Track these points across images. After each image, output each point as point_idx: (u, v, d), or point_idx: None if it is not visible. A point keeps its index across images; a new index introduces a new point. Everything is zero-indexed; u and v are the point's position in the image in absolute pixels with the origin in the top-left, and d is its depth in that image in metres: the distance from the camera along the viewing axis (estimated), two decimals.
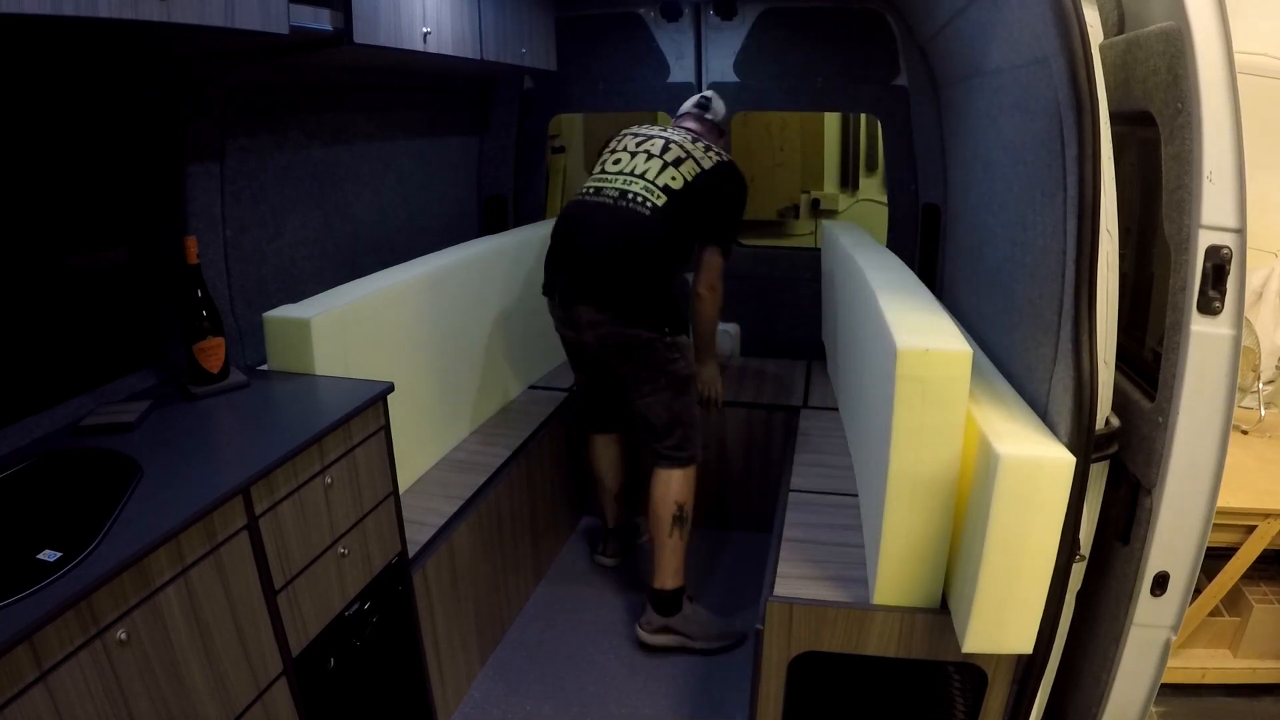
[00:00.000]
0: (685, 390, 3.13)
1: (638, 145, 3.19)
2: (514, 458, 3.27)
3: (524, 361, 3.86)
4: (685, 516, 3.12)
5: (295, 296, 2.67)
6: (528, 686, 3.00)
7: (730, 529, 3.96)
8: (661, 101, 4.13)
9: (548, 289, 3.14)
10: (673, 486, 3.12)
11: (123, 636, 1.44)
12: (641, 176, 3.06)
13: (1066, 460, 1.76)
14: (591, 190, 3.12)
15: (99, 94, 2.19)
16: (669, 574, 3.11)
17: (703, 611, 3.23)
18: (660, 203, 2.99)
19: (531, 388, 3.95)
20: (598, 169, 3.21)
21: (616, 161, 3.16)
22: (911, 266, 3.70)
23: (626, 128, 3.36)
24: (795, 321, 4.23)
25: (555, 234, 3.14)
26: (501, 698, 2.95)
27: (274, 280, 2.82)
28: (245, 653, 1.77)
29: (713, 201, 3.13)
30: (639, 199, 3.00)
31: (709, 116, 3.41)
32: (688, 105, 3.45)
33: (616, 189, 3.05)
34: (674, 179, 3.05)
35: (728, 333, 4.15)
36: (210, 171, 2.48)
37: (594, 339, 3.03)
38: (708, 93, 3.45)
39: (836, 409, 3.53)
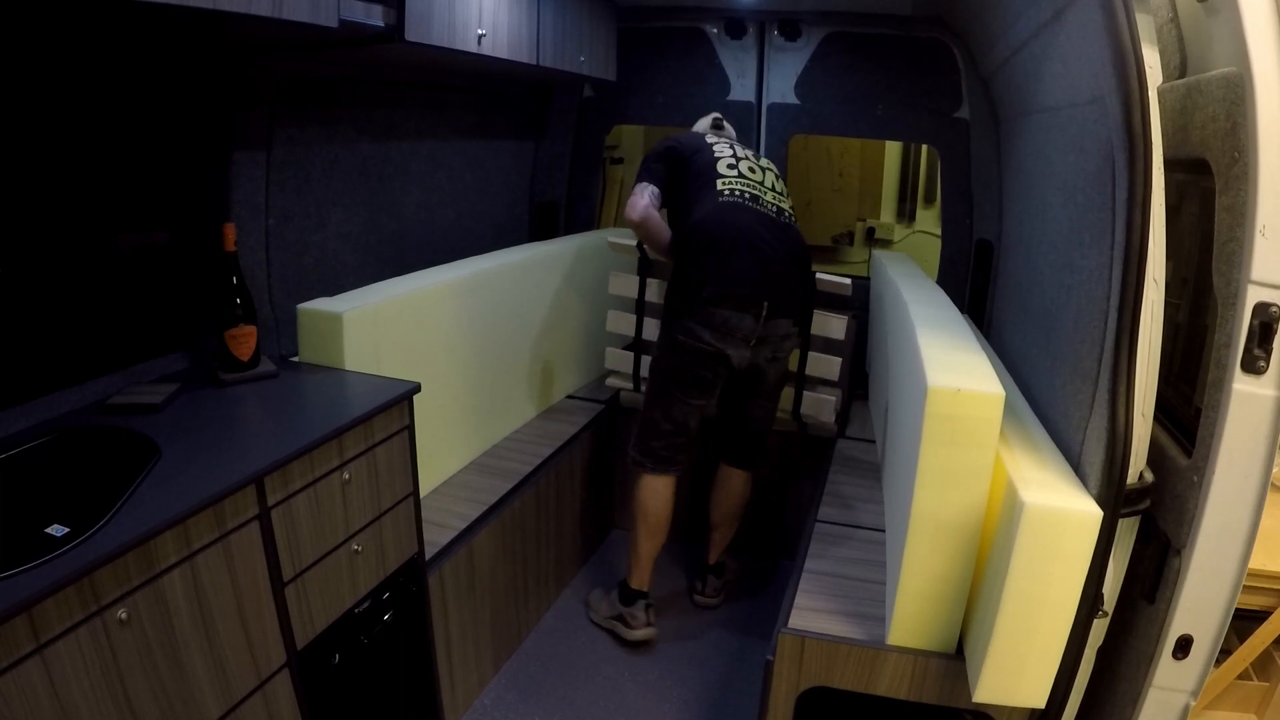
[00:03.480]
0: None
1: (755, 158, 3.25)
2: (543, 466, 3.26)
3: (564, 370, 3.86)
4: None
5: (336, 289, 2.68)
6: (540, 698, 2.98)
7: (759, 554, 3.92)
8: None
9: (739, 302, 2.90)
10: (750, 487, 3.42)
11: (123, 616, 1.45)
12: (782, 195, 3.21)
13: (1093, 514, 1.70)
14: (747, 196, 3.06)
15: (151, 78, 2.22)
16: (723, 551, 3.58)
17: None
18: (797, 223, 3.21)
19: (570, 397, 3.94)
20: (727, 170, 3.11)
21: (752, 170, 3.16)
22: (962, 302, 3.67)
23: (693, 132, 3.40)
24: (840, 350, 4.18)
25: (727, 238, 2.93)
26: (511, 706, 2.93)
27: (315, 272, 2.84)
28: (248, 642, 1.77)
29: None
30: (791, 217, 3.17)
31: (733, 138, 3.50)
32: (728, 132, 3.52)
33: (773, 204, 3.11)
34: (789, 201, 3.25)
35: None
36: (256, 160, 2.50)
37: (770, 353, 3.05)
38: (717, 115, 3.56)
39: (874, 441, 3.48)
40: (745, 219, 2.98)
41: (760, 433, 3.31)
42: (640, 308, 3.66)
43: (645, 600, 3.25)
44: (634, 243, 3.46)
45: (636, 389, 3.72)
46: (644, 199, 3.08)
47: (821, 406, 3.52)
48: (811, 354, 3.46)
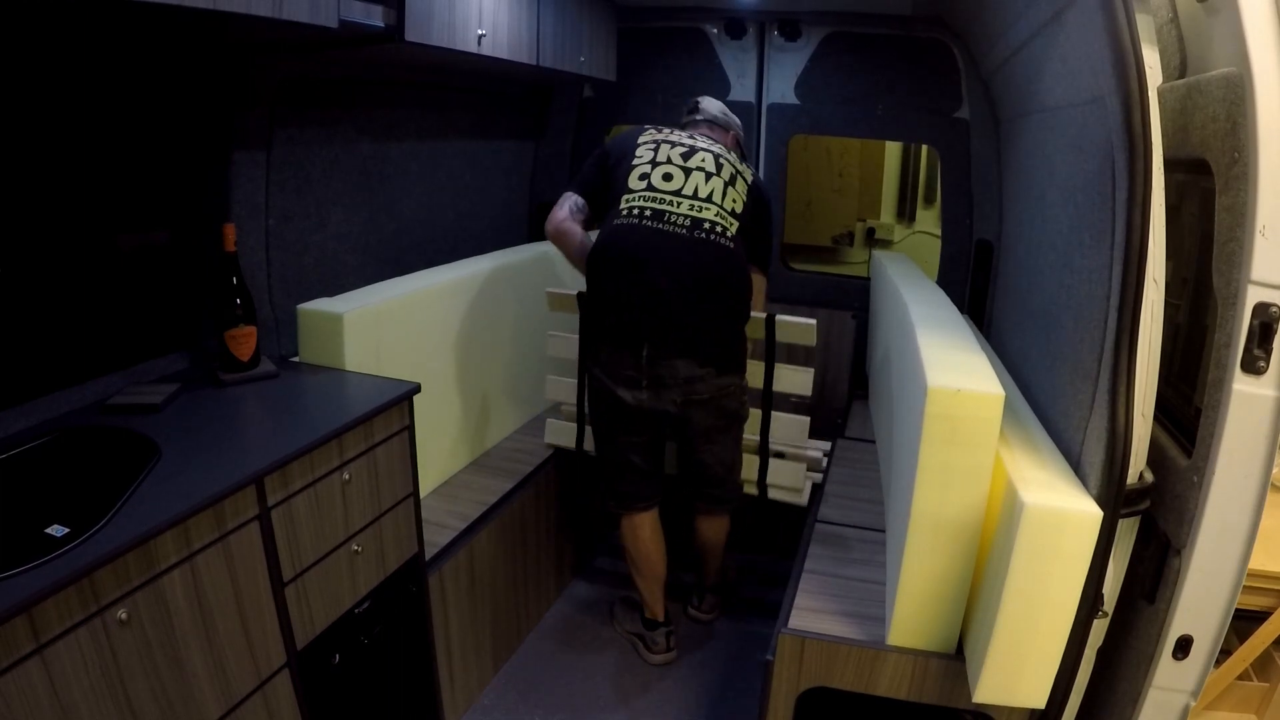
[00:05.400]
0: (742, 432, 3.03)
1: (685, 159, 2.81)
2: (543, 466, 3.26)
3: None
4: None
5: (336, 290, 2.69)
6: (540, 697, 2.99)
7: (759, 554, 3.92)
8: None
9: (618, 340, 2.73)
10: (726, 527, 3.24)
11: (123, 616, 1.45)
12: (709, 200, 2.74)
13: (1093, 514, 1.70)
14: (648, 213, 2.70)
15: (152, 78, 2.22)
16: (718, 573, 3.48)
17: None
18: (734, 230, 2.76)
19: None
20: (637, 182, 2.77)
21: (668, 177, 2.76)
22: (961, 302, 3.66)
23: (644, 127, 3.00)
24: (840, 351, 4.17)
25: (611, 268, 2.71)
26: (512, 706, 2.94)
27: (315, 272, 2.84)
28: (248, 642, 1.77)
29: (763, 223, 2.95)
30: (717, 229, 2.72)
31: (719, 121, 3.14)
32: (708, 113, 3.13)
33: (685, 215, 2.69)
34: (736, 201, 2.81)
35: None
36: (256, 160, 2.50)
37: (680, 397, 2.74)
38: (701, 100, 3.18)
39: (874, 441, 3.47)
40: (638, 241, 2.68)
41: (712, 478, 3.02)
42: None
43: (666, 628, 3.22)
44: (574, 292, 3.11)
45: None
46: (563, 210, 2.90)
47: (789, 475, 3.13)
48: (775, 414, 3.07)
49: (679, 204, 2.72)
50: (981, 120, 3.67)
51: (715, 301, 2.70)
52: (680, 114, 3.17)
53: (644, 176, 2.78)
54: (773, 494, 3.16)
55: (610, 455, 2.98)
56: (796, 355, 3.11)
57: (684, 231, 2.68)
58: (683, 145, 2.88)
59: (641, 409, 2.78)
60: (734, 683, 3.12)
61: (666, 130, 2.97)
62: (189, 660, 1.61)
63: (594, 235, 2.91)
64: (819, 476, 3.08)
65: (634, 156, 2.85)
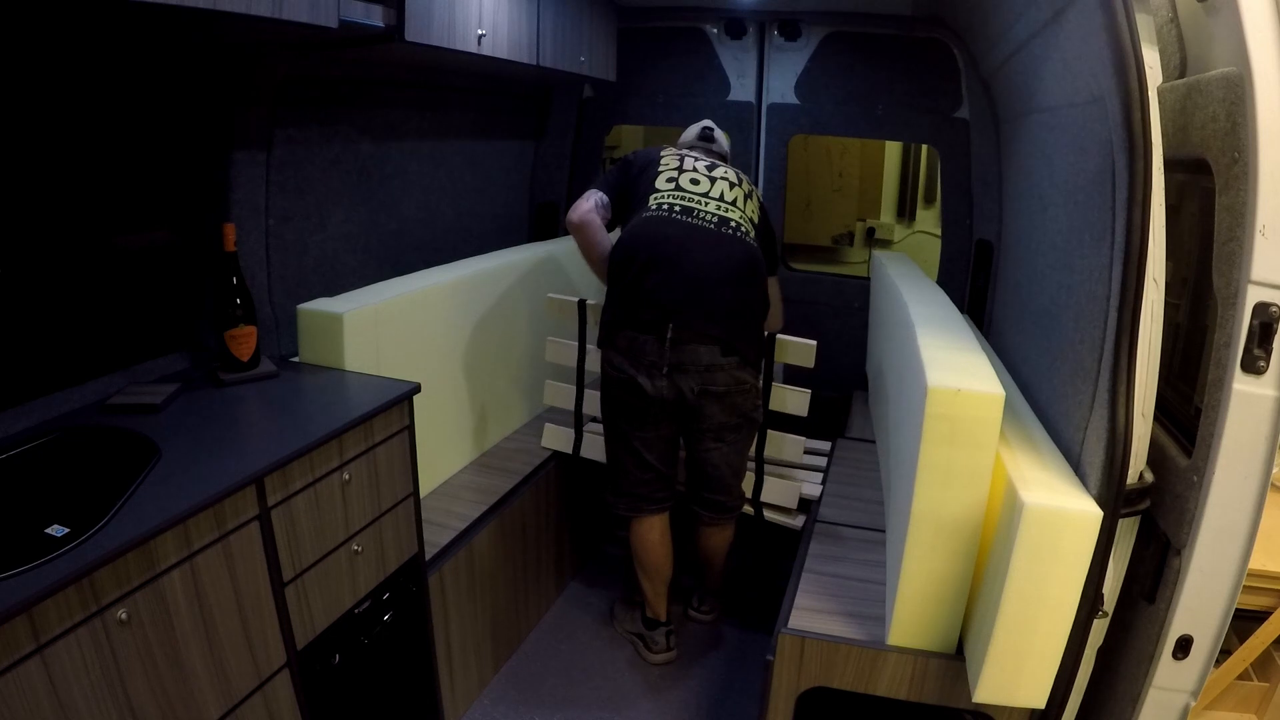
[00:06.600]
0: (751, 441, 3.05)
1: (710, 170, 2.95)
2: (544, 465, 3.26)
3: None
4: None
5: (336, 290, 2.69)
6: (540, 697, 2.99)
7: (758, 554, 3.91)
8: (720, 119, 4.09)
9: (642, 325, 2.72)
10: (729, 537, 3.22)
11: (123, 616, 1.45)
12: (734, 205, 2.87)
13: (1093, 514, 1.70)
14: (677, 209, 2.79)
15: (152, 78, 2.22)
16: (720, 576, 3.44)
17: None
18: (753, 236, 2.87)
19: None
20: (665, 184, 2.87)
21: (695, 181, 2.88)
22: (961, 302, 3.66)
23: (662, 145, 3.11)
24: (841, 350, 4.17)
25: (640, 255, 2.73)
26: (512, 705, 2.93)
27: (315, 272, 2.84)
28: (248, 642, 1.77)
29: (770, 238, 3.10)
30: (742, 230, 2.82)
31: (728, 157, 3.26)
32: (721, 146, 3.25)
33: (714, 214, 2.80)
34: (753, 212, 2.96)
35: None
36: (256, 160, 2.50)
37: (698, 385, 2.73)
38: (709, 123, 3.28)
39: (874, 441, 3.47)
40: (668, 232, 2.74)
41: (716, 480, 2.97)
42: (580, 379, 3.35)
43: (666, 627, 3.20)
44: (574, 299, 3.20)
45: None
46: (588, 203, 2.91)
47: (784, 494, 3.16)
48: (771, 433, 3.13)
49: (707, 204, 2.84)
50: (981, 120, 3.67)
51: (739, 295, 2.77)
52: (676, 113, 3.20)
53: (671, 179, 2.89)
54: (768, 515, 3.18)
55: (622, 454, 2.95)
56: (793, 375, 3.16)
57: (712, 226, 2.79)
58: (706, 159, 3.04)
59: (660, 398, 2.75)
60: (734, 683, 3.11)
61: (686, 149, 3.11)
62: (189, 660, 1.61)
63: (615, 236, 2.94)
64: (817, 490, 3.07)
65: (659, 164, 2.96)
